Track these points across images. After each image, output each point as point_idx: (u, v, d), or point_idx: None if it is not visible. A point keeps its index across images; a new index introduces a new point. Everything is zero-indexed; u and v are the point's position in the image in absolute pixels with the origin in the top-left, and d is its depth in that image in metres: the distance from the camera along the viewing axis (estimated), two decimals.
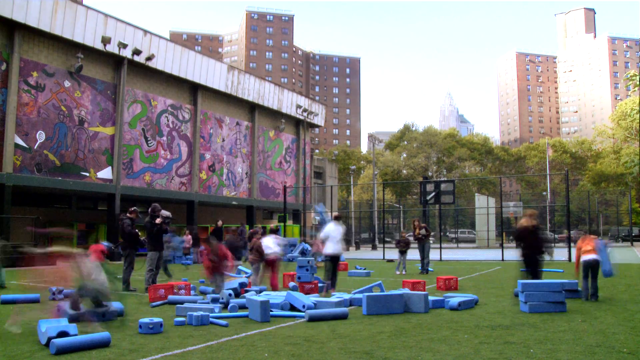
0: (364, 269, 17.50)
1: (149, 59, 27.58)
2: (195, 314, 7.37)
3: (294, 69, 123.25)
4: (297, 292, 9.92)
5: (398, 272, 16.78)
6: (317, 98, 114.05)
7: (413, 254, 19.52)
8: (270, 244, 11.73)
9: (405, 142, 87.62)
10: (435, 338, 6.31)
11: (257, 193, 36.68)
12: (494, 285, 12.57)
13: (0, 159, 22.01)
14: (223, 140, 34.05)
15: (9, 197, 22.04)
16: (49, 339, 5.89)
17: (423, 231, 17.28)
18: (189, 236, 23.76)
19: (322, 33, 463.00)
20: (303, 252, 25.56)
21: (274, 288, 11.28)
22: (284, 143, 39.96)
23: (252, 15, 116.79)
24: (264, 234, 13.37)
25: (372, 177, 62.28)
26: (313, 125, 44.38)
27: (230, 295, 9.29)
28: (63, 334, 6.02)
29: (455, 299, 8.88)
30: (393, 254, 31.11)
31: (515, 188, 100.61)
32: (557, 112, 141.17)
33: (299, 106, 39.56)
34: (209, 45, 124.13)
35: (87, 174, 25.37)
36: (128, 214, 12.48)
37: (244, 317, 7.97)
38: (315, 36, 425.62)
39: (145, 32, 27.89)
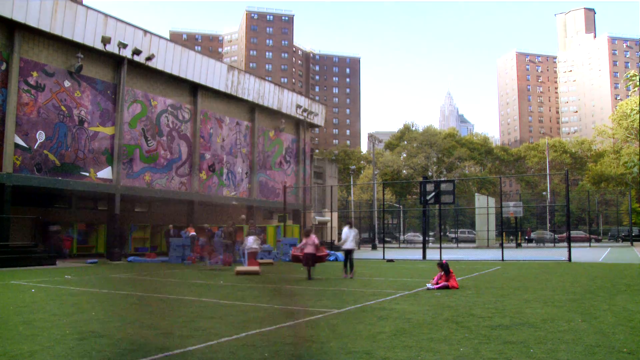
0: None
1: (149, 59, 27.57)
2: None
3: (294, 69, 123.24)
4: None
5: None
6: (317, 98, 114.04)
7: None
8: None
9: (405, 142, 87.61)
10: (435, 338, 6.30)
11: (257, 193, 36.67)
12: (493, 285, 12.56)
13: (0, 159, 22.01)
14: (223, 140, 34.04)
15: (9, 197, 22.03)
16: None
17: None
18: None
19: (322, 33, 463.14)
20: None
21: None
22: (284, 143, 39.95)
23: (252, 15, 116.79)
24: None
25: (372, 177, 62.27)
26: (313, 125, 44.38)
27: None
28: None
29: None
30: (393, 254, 31.11)
31: (515, 188, 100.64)
32: (557, 112, 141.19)
33: (299, 106, 39.56)
34: (209, 45, 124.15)
35: (87, 174, 25.37)
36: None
37: None
38: (315, 36, 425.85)
39: (145, 32, 27.89)
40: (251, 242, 17.88)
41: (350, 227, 16.19)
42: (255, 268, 16.36)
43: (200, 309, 8.87)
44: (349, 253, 15.56)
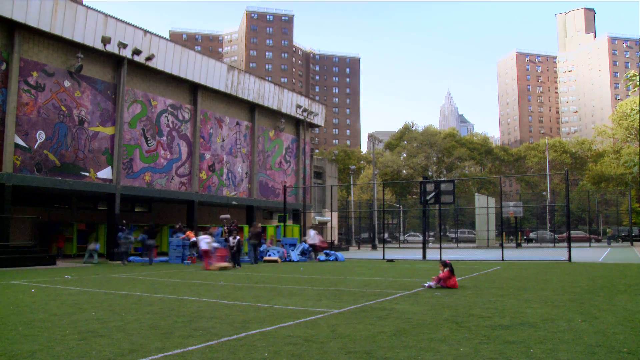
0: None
1: (149, 59, 27.57)
2: None
3: (294, 69, 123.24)
4: None
5: None
6: (317, 98, 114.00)
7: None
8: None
9: (405, 142, 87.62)
10: (435, 338, 6.30)
11: (257, 193, 36.67)
12: (494, 285, 12.57)
13: (0, 159, 22.01)
14: (223, 140, 34.04)
15: (9, 197, 22.03)
16: None
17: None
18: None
19: (322, 33, 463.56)
20: (303, 252, 25.61)
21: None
22: (284, 143, 39.95)
23: (252, 15, 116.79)
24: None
25: (372, 177, 62.26)
26: (313, 125, 44.38)
27: None
28: None
29: None
30: (393, 254, 31.11)
31: (515, 188, 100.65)
32: (557, 112, 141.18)
33: (299, 106, 39.55)
34: (209, 45, 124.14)
35: (87, 174, 25.37)
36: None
37: None
38: (315, 36, 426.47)
39: (145, 32, 27.88)
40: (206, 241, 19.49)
41: (313, 229, 26.71)
42: (225, 264, 19.25)
43: (200, 309, 8.87)
44: (313, 246, 25.56)
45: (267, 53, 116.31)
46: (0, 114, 22.13)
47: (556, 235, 52.58)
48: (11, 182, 22.07)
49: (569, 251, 23.16)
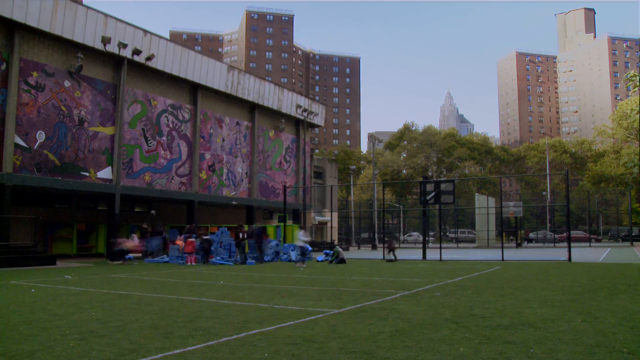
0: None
1: (149, 59, 27.56)
2: None
3: (294, 69, 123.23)
4: None
5: None
6: (317, 98, 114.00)
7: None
8: None
9: (405, 142, 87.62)
10: (435, 338, 6.30)
11: (257, 193, 36.66)
12: (494, 285, 12.56)
13: (0, 159, 22.00)
14: (223, 140, 34.03)
15: (9, 197, 22.03)
16: None
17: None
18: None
19: (322, 33, 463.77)
20: (303, 253, 25.63)
21: None
22: (284, 143, 39.94)
23: (252, 15, 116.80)
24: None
25: (372, 177, 62.26)
26: (313, 125, 44.37)
27: None
28: None
29: None
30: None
31: (515, 188, 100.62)
32: (557, 112, 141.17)
33: (299, 106, 39.54)
34: (209, 45, 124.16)
35: (87, 174, 25.36)
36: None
37: None
38: (315, 36, 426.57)
39: (145, 32, 27.88)
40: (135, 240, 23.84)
41: (300, 230, 23.87)
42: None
43: (200, 309, 8.87)
44: (301, 247, 22.12)
45: (267, 53, 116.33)
46: (0, 114, 22.12)
47: (556, 235, 52.58)
48: (11, 182, 22.07)
49: (569, 251, 23.15)
